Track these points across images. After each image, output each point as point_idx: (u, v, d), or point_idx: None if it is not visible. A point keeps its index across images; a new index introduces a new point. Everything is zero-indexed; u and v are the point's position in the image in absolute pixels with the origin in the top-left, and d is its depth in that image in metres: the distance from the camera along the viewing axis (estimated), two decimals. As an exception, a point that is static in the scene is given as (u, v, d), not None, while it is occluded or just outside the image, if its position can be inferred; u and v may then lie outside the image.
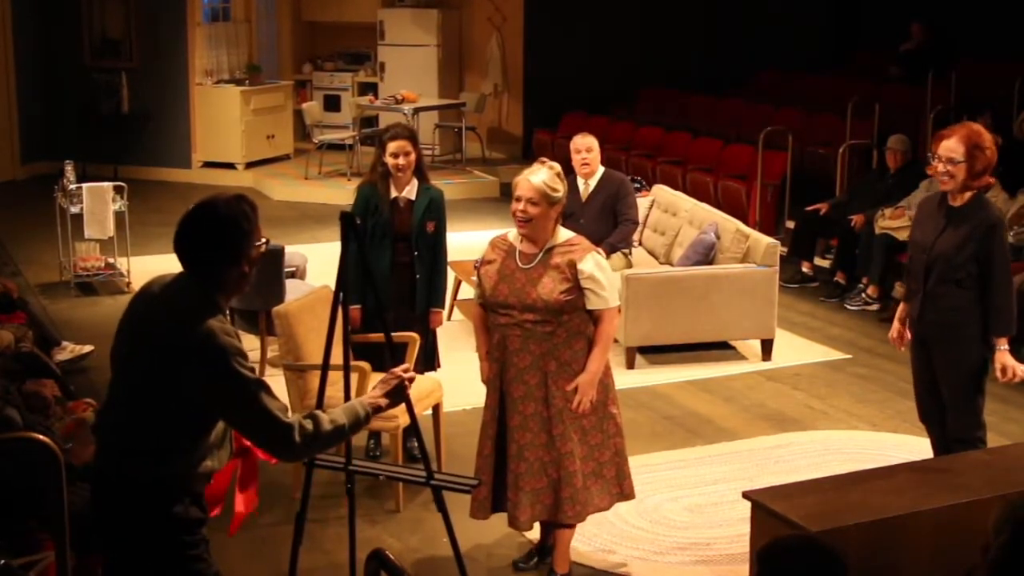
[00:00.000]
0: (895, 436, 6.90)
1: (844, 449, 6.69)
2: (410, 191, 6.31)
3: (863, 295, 9.52)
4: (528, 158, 4.79)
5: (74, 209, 9.61)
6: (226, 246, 3.45)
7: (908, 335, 5.54)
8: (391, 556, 3.78)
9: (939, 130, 5.48)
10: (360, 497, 5.06)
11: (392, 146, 6.22)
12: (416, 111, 13.66)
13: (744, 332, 8.30)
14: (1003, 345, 5.23)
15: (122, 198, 9.80)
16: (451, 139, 15.30)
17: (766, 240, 8.24)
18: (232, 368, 3.35)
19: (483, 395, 5.13)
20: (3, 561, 4.55)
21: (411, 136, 6.31)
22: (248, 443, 3.67)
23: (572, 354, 4.92)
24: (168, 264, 3.57)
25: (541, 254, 4.94)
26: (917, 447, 6.45)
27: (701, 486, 6.21)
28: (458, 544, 4.14)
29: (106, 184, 9.86)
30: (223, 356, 3.34)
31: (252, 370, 3.42)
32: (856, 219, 9.76)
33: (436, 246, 6.37)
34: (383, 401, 3.70)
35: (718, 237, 8.37)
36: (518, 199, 4.91)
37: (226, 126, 14.59)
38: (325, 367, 4.05)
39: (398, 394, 3.75)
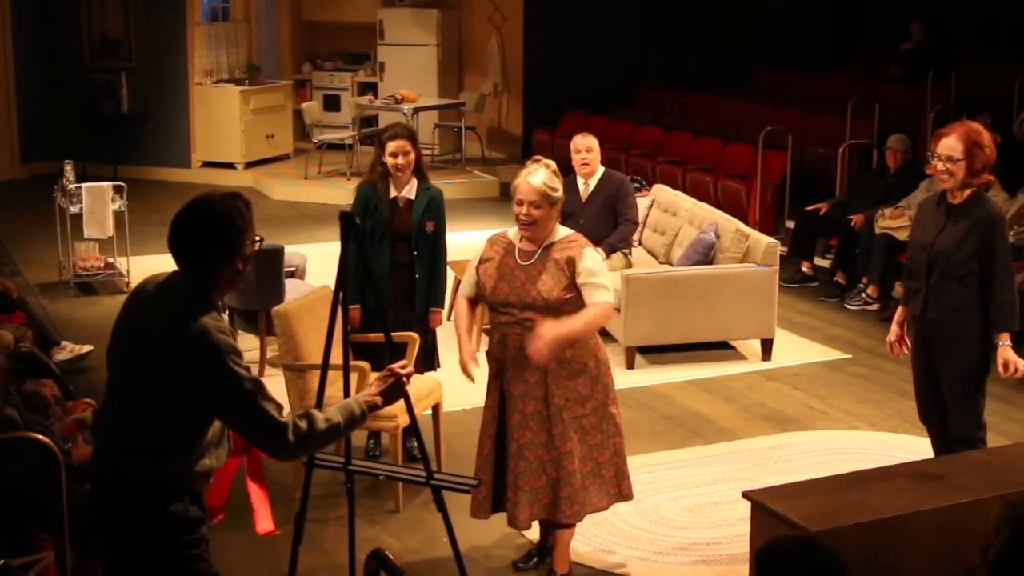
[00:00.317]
0: (895, 436, 6.90)
1: (844, 449, 6.68)
2: (409, 191, 6.31)
3: (863, 295, 9.52)
4: (528, 158, 4.78)
5: (74, 209, 9.61)
6: (220, 243, 3.45)
7: (908, 340, 5.53)
8: (390, 556, 3.78)
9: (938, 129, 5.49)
10: (360, 497, 5.05)
11: (391, 146, 6.22)
12: (416, 111, 13.65)
13: (744, 332, 8.30)
14: (1005, 340, 5.23)
15: (121, 198, 9.80)
16: (451, 139, 15.30)
17: (766, 240, 8.24)
18: (226, 366, 3.34)
19: (483, 395, 5.12)
20: (3, 561, 4.55)
21: (410, 136, 6.31)
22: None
23: (572, 352, 4.92)
24: (167, 264, 3.56)
25: (540, 251, 4.95)
26: (917, 447, 6.45)
27: (701, 486, 6.21)
28: (458, 544, 4.13)
29: (105, 184, 9.87)
30: (217, 353, 3.34)
31: (247, 368, 3.41)
32: (856, 219, 9.75)
33: (435, 246, 6.37)
34: (379, 399, 3.68)
35: (718, 237, 8.37)
36: (520, 203, 4.92)
37: (226, 126, 14.59)
38: (325, 367, 4.05)
39: (395, 391, 3.73)
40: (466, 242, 9.49)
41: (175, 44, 14.56)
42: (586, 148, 8.15)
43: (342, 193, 12.79)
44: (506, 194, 5.19)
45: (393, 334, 4.79)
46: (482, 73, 15.76)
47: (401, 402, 3.92)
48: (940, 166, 5.21)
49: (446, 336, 7.39)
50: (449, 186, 12.37)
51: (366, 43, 16.05)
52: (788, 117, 12.60)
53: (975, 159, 5.15)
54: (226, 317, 4.76)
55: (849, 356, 8.35)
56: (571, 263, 4.89)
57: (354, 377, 5.14)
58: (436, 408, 6.15)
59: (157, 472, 3.43)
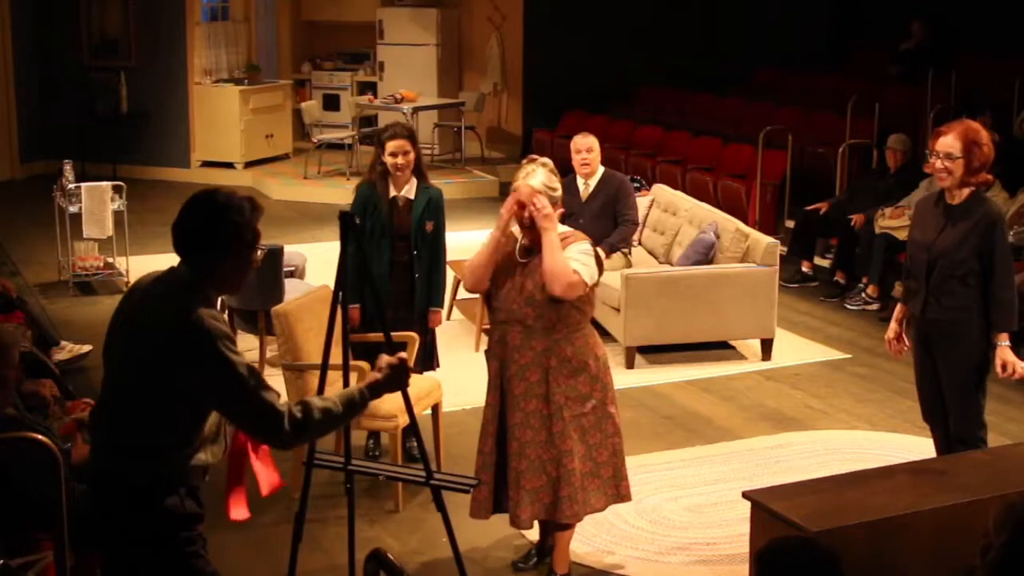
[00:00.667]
0: (895, 436, 6.90)
1: (844, 449, 6.68)
2: (409, 190, 6.31)
3: (863, 295, 9.51)
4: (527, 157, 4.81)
5: (73, 208, 9.61)
6: (218, 234, 3.47)
7: (907, 340, 5.53)
8: (390, 556, 3.78)
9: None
10: (359, 497, 5.05)
11: (391, 145, 6.22)
12: (415, 110, 13.65)
13: (744, 332, 8.29)
14: (1004, 341, 5.23)
15: (121, 197, 9.79)
16: (450, 138, 15.29)
17: (766, 240, 8.23)
18: (219, 351, 3.35)
19: (482, 395, 5.13)
20: (2, 561, 4.54)
21: (410, 135, 6.31)
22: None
23: (573, 350, 4.92)
24: (167, 264, 3.58)
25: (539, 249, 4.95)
26: (917, 447, 6.45)
27: (701, 486, 6.21)
28: (457, 544, 4.13)
29: (105, 183, 9.86)
30: (210, 339, 3.34)
31: (241, 355, 3.41)
32: (856, 218, 9.75)
33: (435, 245, 6.37)
34: (381, 378, 3.59)
35: (718, 236, 8.36)
36: (521, 206, 4.92)
37: (225, 125, 14.58)
38: (324, 367, 4.05)
39: (400, 375, 3.64)
40: (466, 242, 9.48)
41: (174, 44, 14.55)
42: (586, 148, 8.14)
43: (341, 193, 12.78)
44: (506, 194, 5.18)
45: (392, 334, 4.79)
46: (482, 72, 15.75)
47: (401, 402, 3.91)
48: (938, 164, 5.21)
49: (445, 336, 7.40)
50: (449, 186, 12.37)
51: (366, 43, 16.04)
52: (788, 117, 12.59)
53: (973, 157, 5.16)
54: (225, 317, 4.76)
55: (849, 356, 8.35)
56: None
57: (354, 377, 5.11)
58: (436, 408, 6.15)
59: (153, 468, 3.44)
